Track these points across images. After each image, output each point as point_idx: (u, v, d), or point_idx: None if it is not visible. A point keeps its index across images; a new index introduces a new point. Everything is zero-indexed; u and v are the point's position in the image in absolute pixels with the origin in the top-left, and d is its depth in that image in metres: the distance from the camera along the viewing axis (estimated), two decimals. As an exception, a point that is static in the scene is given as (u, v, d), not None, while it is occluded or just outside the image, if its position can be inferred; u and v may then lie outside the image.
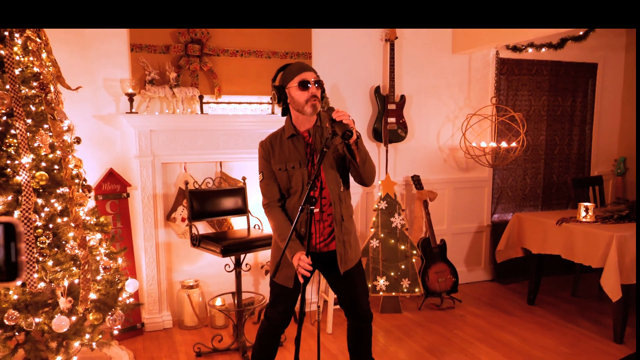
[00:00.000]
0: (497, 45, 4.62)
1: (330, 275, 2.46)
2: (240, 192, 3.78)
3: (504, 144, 4.56)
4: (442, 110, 4.73)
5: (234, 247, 3.30)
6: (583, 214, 3.88)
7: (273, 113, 3.96)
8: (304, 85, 2.18)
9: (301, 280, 2.20)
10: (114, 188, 3.67)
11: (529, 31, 3.88)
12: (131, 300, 3.19)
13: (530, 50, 4.77)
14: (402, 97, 4.45)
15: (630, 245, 3.43)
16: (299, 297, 2.18)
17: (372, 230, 4.19)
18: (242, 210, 3.78)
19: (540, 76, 5.06)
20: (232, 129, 3.86)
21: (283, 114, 2.36)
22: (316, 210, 2.28)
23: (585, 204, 3.90)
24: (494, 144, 4.66)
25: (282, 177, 2.32)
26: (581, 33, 4.50)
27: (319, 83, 2.23)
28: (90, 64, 3.58)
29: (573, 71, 5.19)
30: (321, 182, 2.28)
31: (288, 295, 2.43)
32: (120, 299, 3.06)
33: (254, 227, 3.78)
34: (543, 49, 4.71)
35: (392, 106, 4.38)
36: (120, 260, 3.24)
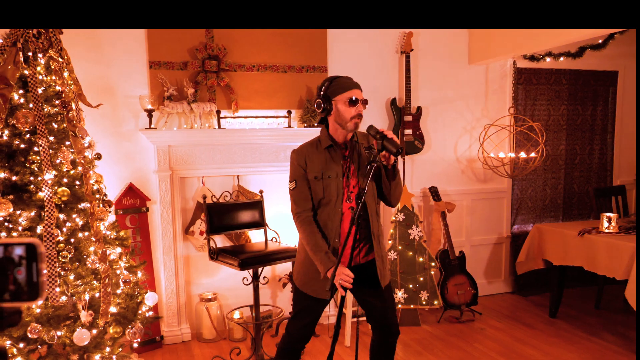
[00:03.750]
0: (515, 55, 4.59)
1: (364, 289, 2.43)
2: (257, 205, 3.80)
3: (522, 154, 4.52)
4: (459, 122, 4.71)
5: (252, 260, 3.31)
6: (606, 224, 3.81)
7: (289, 127, 3.99)
8: (353, 102, 2.23)
9: (342, 292, 2.18)
10: (133, 202, 3.73)
11: (547, 40, 3.85)
12: (150, 313, 3.23)
13: (548, 59, 4.73)
14: (419, 109, 4.44)
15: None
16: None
17: (390, 242, 4.17)
18: (260, 224, 3.80)
19: (558, 85, 5.01)
20: (249, 143, 3.91)
21: (320, 123, 2.39)
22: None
23: (608, 214, 3.82)
24: (512, 155, 4.61)
25: (316, 186, 2.32)
26: (600, 41, 4.45)
27: (365, 103, 2.29)
28: (110, 82, 3.67)
29: (593, 80, 5.12)
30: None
31: (314, 309, 2.42)
32: (139, 312, 3.09)
33: (272, 240, 3.79)
34: (561, 58, 4.67)
35: (408, 118, 4.38)
36: (139, 274, 3.28)
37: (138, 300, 3.12)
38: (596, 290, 4.58)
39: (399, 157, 4.34)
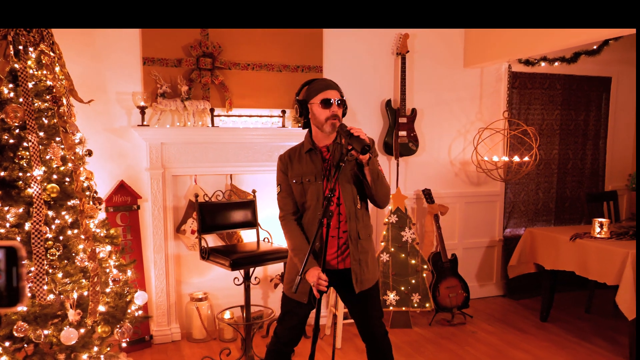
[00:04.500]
0: (510, 59, 4.59)
1: (344, 293, 2.44)
2: (250, 205, 3.77)
3: (516, 158, 4.52)
4: (453, 124, 4.70)
5: (243, 260, 3.29)
6: (597, 229, 3.82)
7: (284, 126, 3.96)
8: (326, 103, 2.21)
9: (317, 295, 2.17)
10: (124, 200, 3.68)
11: (542, 45, 3.85)
12: (140, 312, 3.19)
13: (543, 64, 4.74)
14: (414, 111, 4.43)
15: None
16: (312, 314, 2.15)
17: (383, 244, 4.16)
18: (252, 223, 3.77)
19: (553, 90, 5.02)
20: (242, 142, 3.88)
21: (304, 127, 2.38)
22: (332, 226, 2.27)
23: (600, 219, 3.83)
24: (506, 158, 4.62)
25: (297, 190, 2.33)
26: (595, 47, 4.47)
27: (342, 102, 2.26)
28: (103, 78, 3.62)
29: (586, 85, 5.14)
30: (338, 198, 2.28)
31: (299, 312, 2.41)
32: (129, 311, 3.06)
33: (264, 240, 3.77)
34: (556, 63, 4.69)
35: (403, 120, 4.36)
36: (129, 273, 3.24)
37: (127, 300, 3.07)
38: (587, 294, 4.59)
39: (393, 158, 4.36)
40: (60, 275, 2.69)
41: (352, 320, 2.66)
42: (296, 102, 2.31)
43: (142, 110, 3.55)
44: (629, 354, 3.54)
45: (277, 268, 4.03)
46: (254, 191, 3.86)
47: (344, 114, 2.30)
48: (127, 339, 2.94)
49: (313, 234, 2.28)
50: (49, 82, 2.73)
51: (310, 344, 2.23)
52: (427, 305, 4.11)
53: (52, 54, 2.74)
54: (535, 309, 4.55)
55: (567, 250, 3.87)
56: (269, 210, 3.96)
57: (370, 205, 2.43)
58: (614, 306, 4.22)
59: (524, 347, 3.77)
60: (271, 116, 3.96)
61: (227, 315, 3.84)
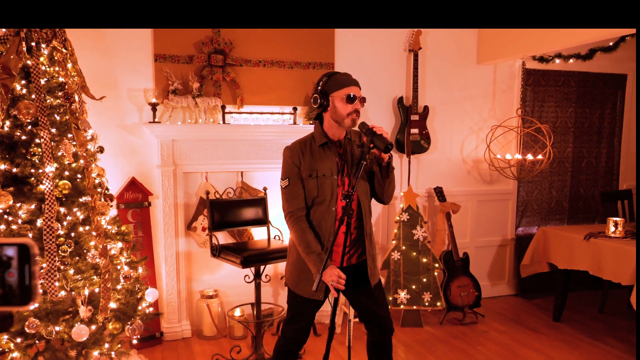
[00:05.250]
0: (524, 56, 4.53)
1: (355, 289, 2.40)
2: (261, 202, 3.76)
3: (529, 157, 4.46)
4: (465, 122, 4.65)
5: (254, 258, 3.27)
6: (612, 229, 3.76)
7: (295, 123, 3.94)
8: (351, 99, 2.19)
9: (335, 294, 2.14)
10: (135, 197, 3.68)
11: (557, 41, 3.79)
12: (151, 309, 3.19)
13: (557, 61, 4.67)
14: (426, 108, 4.39)
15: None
16: (320, 313, 2.13)
17: (394, 242, 4.13)
18: (263, 221, 3.75)
19: (567, 87, 4.95)
20: (253, 139, 3.86)
21: (316, 119, 2.34)
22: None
23: (614, 218, 3.78)
24: (519, 156, 4.56)
25: (310, 184, 2.26)
26: (611, 44, 4.39)
27: (364, 100, 2.25)
28: (115, 74, 3.62)
29: (601, 82, 5.06)
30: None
31: (311, 311, 2.39)
32: (139, 308, 3.06)
33: (274, 237, 3.75)
34: (571, 60, 4.61)
35: (415, 117, 4.32)
36: (140, 270, 3.24)
37: (138, 297, 3.07)
38: (600, 294, 4.52)
39: (405, 156, 4.33)
40: (71, 271, 2.69)
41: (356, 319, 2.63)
42: (316, 91, 2.25)
43: (154, 107, 3.55)
44: (642, 354, 3.50)
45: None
46: (264, 189, 3.84)
47: None
48: (138, 336, 2.94)
49: (325, 230, 2.27)
50: (61, 79, 2.72)
51: (319, 341, 2.21)
52: (439, 304, 4.08)
53: (64, 50, 2.73)
54: (547, 309, 4.50)
55: (580, 250, 3.82)
56: (280, 208, 3.91)
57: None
58: (627, 306, 4.17)
59: (536, 347, 3.73)
60: (282, 113, 3.94)
61: (237, 312, 3.84)
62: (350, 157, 2.30)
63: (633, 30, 3.83)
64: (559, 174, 5.06)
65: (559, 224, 5.06)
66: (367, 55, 4.26)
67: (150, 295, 3.20)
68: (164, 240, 3.75)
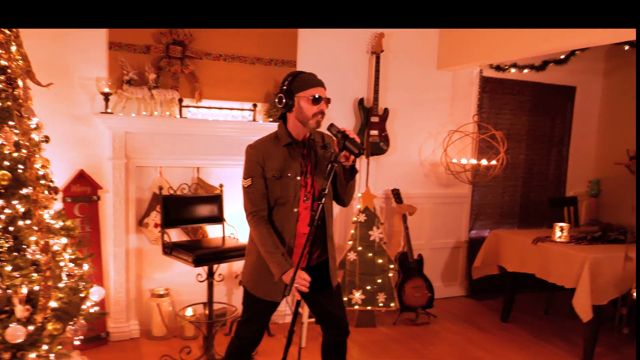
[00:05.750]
0: (481, 64, 4.63)
1: (314, 290, 2.32)
2: (216, 199, 3.66)
3: (484, 162, 4.56)
4: (424, 125, 4.71)
5: (207, 256, 3.18)
6: (558, 234, 3.89)
7: (255, 120, 3.87)
8: (317, 100, 2.16)
9: (298, 296, 2.11)
10: (84, 190, 3.51)
11: (513, 51, 3.89)
12: (96, 308, 3.05)
13: (513, 70, 4.81)
14: (386, 110, 4.41)
15: (603, 267, 3.47)
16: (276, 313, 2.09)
17: (350, 243, 4.12)
18: (218, 219, 3.66)
19: (522, 96, 5.10)
20: (211, 135, 3.76)
21: (279, 118, 2.30)
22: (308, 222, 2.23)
23: (560, 224, 3.92)
24: (474, 161, 4.66)
25: (274, 185, 2.22)
26: (562, 57, 4.55)
27: (329, 101, 2.22)
28: (66, 61, 3.43)
29: (553, 93, 5.24)
30: (314, 195, 2.26)
31: (267, 313, 2.36)
32: (83, 307, 2.91)
33: (230, 236, 3.67)
34: (525, 70, 4.75)
35: (375, 119, 4.33)
36: (86, 267, 3.09)
37: (82, 295, 2.92)
38: (546, 296, 4.68)
39: (364, 157, 4.33)
40: (9, 268, 2.53)
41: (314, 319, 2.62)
42: (282, 90, 2.20)
43: (106, 97, 3.39)
44: (582, 353, 3.64)
45: (242, 265, 3.93)
46: (221, 185, 3.75)
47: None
48: (82, 337, 2.79)
49: (287, 232, 2.24)
50: (3, 62, 2.55)
51: (272, 341, 2.17)
52: (392, 304, 4.10)
53: (8, 32, 2.56)
54: (497, 310, 4.61)
55: (529, 253, 3.94)
56: (236, 206, 3.85)
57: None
58: (570, 308, 4.32)
59: (486, 347, 3.81)
60: (242, 109, 3.86)
61: (189, 312, 3.72)
62: (314, 158, 2.28)
63: (584, 45, 3.99)
64: (512, 179, 5.20)
65: (511, 228, 5.21)
66: (330, 55, 4.24)
67: (95, 293, 3.05)
68: (114, 236, 3.59)
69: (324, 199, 2.01)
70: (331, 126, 2.12)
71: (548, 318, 4.54)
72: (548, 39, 3.53)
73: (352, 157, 2.10)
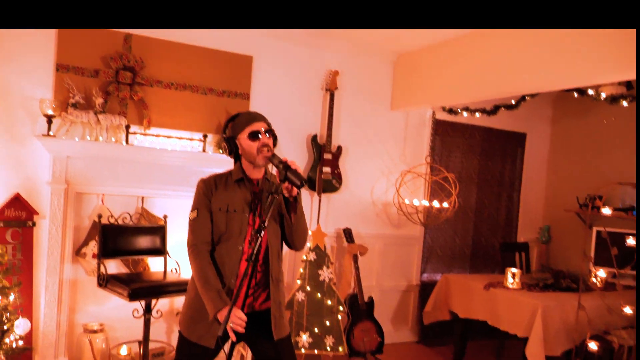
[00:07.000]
0: (434, 106, 4.75)
1: (259, 339, 2.22)
2: (159, 230, 3.54)
3: (436, 203, 4.60)
4: (377, 164, 4.74)
5: (144, 290, 3.05)
6: (510, 280, 3.89)
7: (204, 151, 3.80)
8: (254, 135, 2.13)
9: (233, 337, 1.97)
10: (18, 215, 3.33)
11: (464, 95, 4.00)
12: (20, 342, 2.85)
13: (465, 114, 4.93)
14: (339, 148, 4.43)
15: (555, 315, 3.43)
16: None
17: (299, 282, 4.02)
18: (160, 251, 3.53)
19: (473, 140, 5.23)
20: (158, 164, 3.67)
21: (235, 161, 2.26)
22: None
23: (512, 269, 3.91)
24: (426, 203, 4.69)
25: (219, 219, 2.15)
26: (513, 102, 4.70)
27: (270, 132, 2.18)
28: (8, 79, 3.32)
29: (504, 138, 5.41)
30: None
31: (202, 358, 2.16)
32: (6, 341, 2.72)
33: (172, 270, 3.53)
34: (477, 114, 4.88)
35: (328, 156, 4.34)
36: (12, 297, 2.91)
37: (5, 327, 2.74)
38: (498, 344, 4.63)
39: (315, 194, 4.31)
40: None
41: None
42: (224, 140, 2.20)
43: (49, 119, 3.27)
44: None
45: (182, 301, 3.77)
46: (165, 216, 3.63)
47: (274, 145, 2.20)
48: (-2, 372, 2.59)
49: (227, 269, 2.13)
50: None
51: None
52: (341, 349, 3.98)
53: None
54: (448, 357, 4.53)
55: (480, 299, 3.90)
56: (179, 238, 3.72)
57: None
58: (522, 357, 4.28)
59: (433, 394, 3.71)
60: (192, 139, 3.80)
61: (123, 350, 3.52)
62: (266, 197, 2.20)
63: (533, 91, 4.13)
64: (463, 222, 5.25)
65: (462, 272, 5.21)
66: (284, 89, 4.26)
67: (20, 326, 2.87)
68: (47, 265, 3.40)
69: (263, 232, 1.92)
70: (273, 157, 2.09)
71: (499, 366, 4.48)
72: (498, 83, 3.66)
73: (295, 189, 2.05)
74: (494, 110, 4.76)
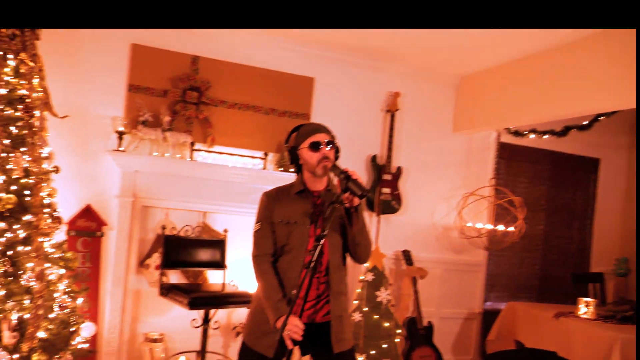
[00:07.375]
0: (498, 128, 4.61)
1: (316, 352, 2.21)
2: (219, 244, 3.63)
3: (501, 227, 4.42)
4: (438, 187, 4.64)
5: (203, 300, 3.12)
6: (583, 309, 3.65)
7: (265, 169, 3.89)
8: (315, 146, 2.13)
9: (290, 345, 1.97)
10: (88, 225, 3.54)
11: (531, 115, 3.87)
12: (85, 345, 2.97)
13: (532, 135, 4.74)
14: (399, 169, 4.39)
15: (634, 351, 3.15)
16: None
17: (356, 302, 3.97)
18: (220, 264, 3.61)
19: (540, 165, 5.02)
20: (220, 180, 3.79)
21: (297, 172, 2.29)
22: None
23: (586, 299, 3.67)
24: (490, 226, 4.51)
25: (281, 231, 2.18)
26: (585, 123, 4.48)
27: (332, 144, 2.17)
28: (85, 98, 3.57)
29: (574, 164, 5.15)
30: (322, 246, 2.08)
31: None
32: (73, 342, 2.85)
33: (230, 282, 3.59)
34: (545, 136, 4.69)
35: (387, 177, 4.31)
36: (79, 301, 3.05)
37: (72, 329, 2.87)
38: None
39: (375, 215, 4.26)
40: (2, 293, 2.52)
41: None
42: (286, 149, 2.24)
43: (120, 135, 3.48)
44: None
45: (241, 316, 3.82)
46: (225, 231, 3.72)
47: (336, 158, 2.19)
48: (66, 373, 2.71)
49: (289, 280, 2.14)
50: (23, 92, 2.68)
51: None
52: (397, 373, 3.86)
53: (31, 64, 2.71)
54: (511, 390, 4.27)
55: (549, 329, 3.69)
56: (239, 253, 3.79)
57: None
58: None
59: None
60: (253, 157, 3.90)
61: (181, 360, 3.59)
62: (327, 208, 2.22)
63: (609, 110, 3.92)
64: (530, 250, 5.01)
65: (528, 302, 4.94)
66: (344, 110, 4.30)
67: (86, 329, 2.99)
68: (113, 274, 3.56)
69: (322, 240, 1.93)
70: (334, 167, 2.08)
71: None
72: (568, 102, 3.51)
73: (356, 199, 2.03)
74: (564, 132, 4.55)
